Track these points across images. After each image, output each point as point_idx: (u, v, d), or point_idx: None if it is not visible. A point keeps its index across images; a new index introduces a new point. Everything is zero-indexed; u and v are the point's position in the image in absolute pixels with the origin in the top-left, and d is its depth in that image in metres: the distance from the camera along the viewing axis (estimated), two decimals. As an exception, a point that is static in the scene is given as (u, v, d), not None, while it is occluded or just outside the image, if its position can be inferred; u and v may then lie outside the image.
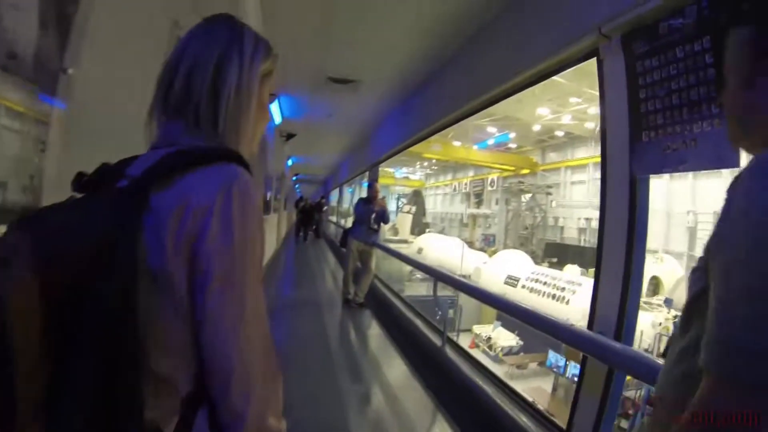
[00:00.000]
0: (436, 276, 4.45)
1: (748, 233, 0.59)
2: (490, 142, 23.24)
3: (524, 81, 2.89)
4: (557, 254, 21.50)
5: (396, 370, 4.09)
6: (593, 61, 2.22)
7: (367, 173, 9.01)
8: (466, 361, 3.61)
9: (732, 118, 0.78)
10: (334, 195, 21.70)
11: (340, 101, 6.46)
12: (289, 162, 14.27)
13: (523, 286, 14.70)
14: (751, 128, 0.74)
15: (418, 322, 4.85)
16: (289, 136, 9.01)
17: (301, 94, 6.28)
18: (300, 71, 5.21)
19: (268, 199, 8.70)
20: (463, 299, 13.08)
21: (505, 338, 13.33)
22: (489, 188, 30.62)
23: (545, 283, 14.12)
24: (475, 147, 24.10)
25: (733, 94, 0.76)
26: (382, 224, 6.65)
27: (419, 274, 12.31)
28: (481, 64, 3.61)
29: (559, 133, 22.52)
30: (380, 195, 6.58)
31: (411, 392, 3.59)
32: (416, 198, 32.55)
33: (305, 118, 7.66)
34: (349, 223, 16.53)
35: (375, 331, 5.41)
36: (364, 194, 7.18)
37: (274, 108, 6.56)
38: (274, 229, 10.58)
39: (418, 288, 13.57)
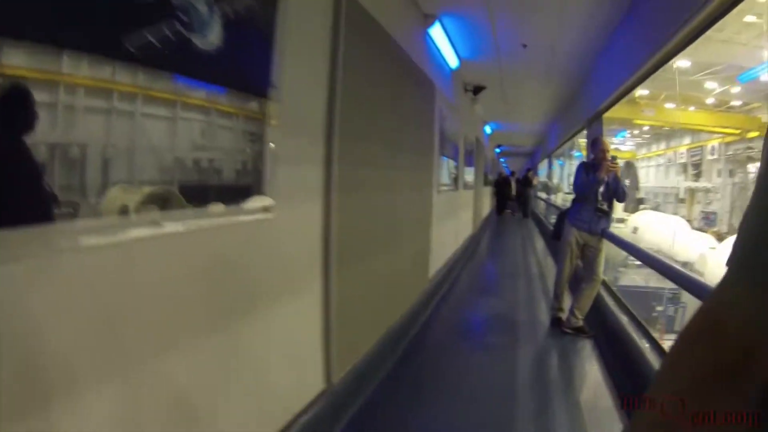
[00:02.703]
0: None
1: None
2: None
3: None
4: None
5: None
6: None
7: (585, 132, 6.34)
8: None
9: None
10: (543, 168, 18.89)
11: (537, 17, 4.18)
12: (488, 129, 12.08)
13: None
14: None
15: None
16: (477, 90, 6.84)
17: (474, 9, 4.14)
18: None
19: (455, 172, 6.77)
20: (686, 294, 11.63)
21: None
22: (709, 157, 26.70)
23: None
24: (691, 108, 21.15)
25: None
26: (615, 202, 4.19)
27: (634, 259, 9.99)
28: None
29: (796, 81, 17.66)
30: (610, 156, 4.09)
31: None
32: (629, 170, 28.78)
33: (491, 55, 5.39)
34: (560, 200, 14.15)
35: (596, 390, 3.15)
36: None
37: (441, 39, 4.54)
38: (468, 210, 8.62)
39: (634, 276, 12.30)
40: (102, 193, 1.13)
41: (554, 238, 4.60)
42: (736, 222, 19.74)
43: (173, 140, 1.32)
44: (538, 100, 8.21)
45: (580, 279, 4.24)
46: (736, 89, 19.16)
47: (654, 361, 2.97)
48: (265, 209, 1.67)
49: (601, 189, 4.08)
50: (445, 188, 5.71)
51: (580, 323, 4.14)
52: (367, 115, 2.60)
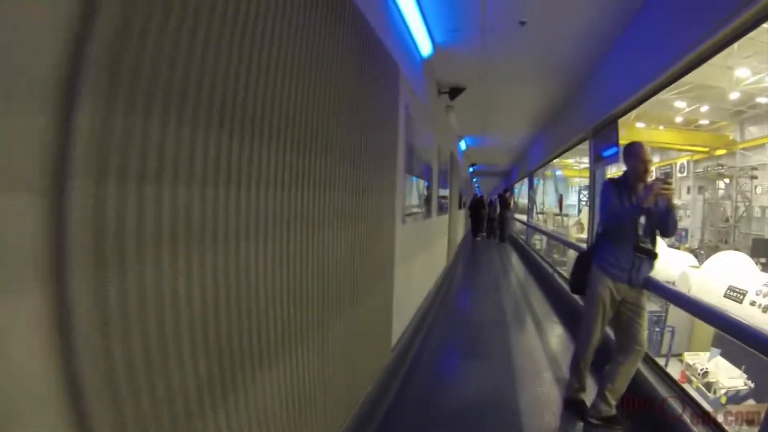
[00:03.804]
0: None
1: None
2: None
3: None
4: (768, 253, 18.25)
5: None
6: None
7: (588, 143, 5.15)
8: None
9: None
10: (518, 188, 18.34)
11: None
12: (462, 145, 10.86)
13: (753, 303, 10.85)
14: None
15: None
16: (454, 92, 5.57)
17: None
18: None
19: (427, 193, 5.43)
20: (672, 316, 11.51)
21: (728, 374, 9.97)
22: (678, 174, 27.26)
23: (789, 303, 10.40)
24: (660, 127, 21.36)
25: None
26: (658, 235, 2.92)
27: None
28: None
29: (762, 100, 18.10)
30: (651, 168, 2.84)
31: None
32: (603, 189, 29.58)
33: (476, 40, 4.10)
34: (545, 222, 12.83)
35: None
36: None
37: (412, 11, 3.25)
38: (443, 239, 7.30)
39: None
40: None
41: (574, 291, 3.24)
42: (708, 237, 19.43)
43: None
44: (527, 102, 6.88)
45: (614, 348, 2.92)
46: (704, 108, 19.02)
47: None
48: None
49: (642, 219, 2.80)
50: (414, 215, 4.37)
51: (614, 411, 2.83)
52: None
